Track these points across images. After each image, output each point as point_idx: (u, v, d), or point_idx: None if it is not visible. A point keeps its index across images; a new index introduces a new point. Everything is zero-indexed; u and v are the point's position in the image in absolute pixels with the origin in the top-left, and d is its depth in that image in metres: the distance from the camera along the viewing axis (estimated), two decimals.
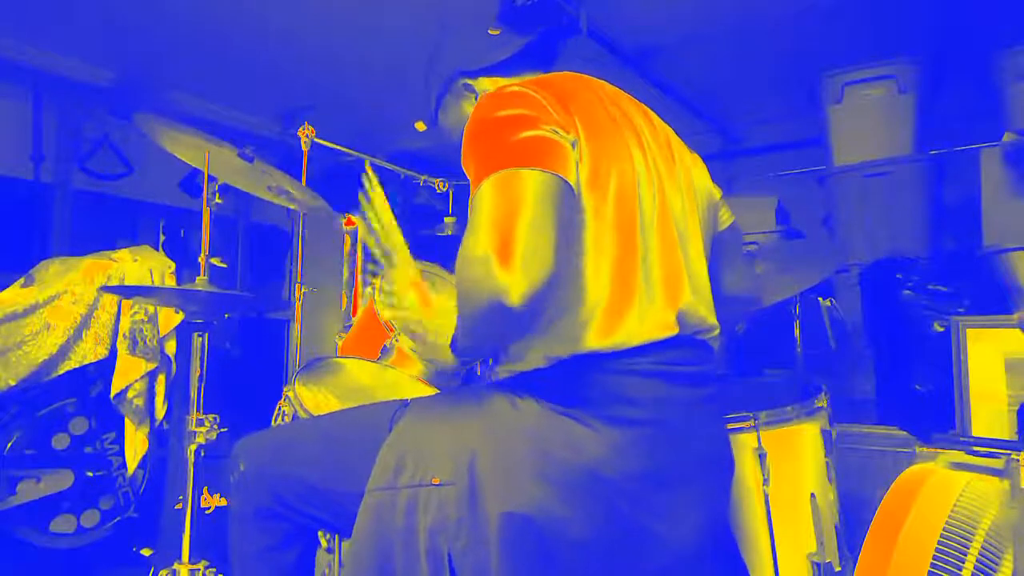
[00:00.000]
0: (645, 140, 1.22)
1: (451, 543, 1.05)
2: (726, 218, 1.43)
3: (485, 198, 0.99)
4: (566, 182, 1.03)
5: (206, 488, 2.43)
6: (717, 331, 1.25)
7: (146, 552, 2.66)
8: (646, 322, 1.11)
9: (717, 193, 1.41)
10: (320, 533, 1.59)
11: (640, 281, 1.12)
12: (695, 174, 1.33)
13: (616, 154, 1.14)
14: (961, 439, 1.43)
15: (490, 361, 1.27)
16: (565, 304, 1.09)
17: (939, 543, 1.22)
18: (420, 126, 1.43)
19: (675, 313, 1.15)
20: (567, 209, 1.03)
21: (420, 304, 1.13)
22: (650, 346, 1.11)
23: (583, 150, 1.10)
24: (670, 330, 1.13)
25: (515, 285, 0.91)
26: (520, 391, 1.13)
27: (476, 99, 1.33)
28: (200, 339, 1.96)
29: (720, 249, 1.40)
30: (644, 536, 1.08)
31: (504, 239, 0.93)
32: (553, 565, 1.04)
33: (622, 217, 1.12)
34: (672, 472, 1.11)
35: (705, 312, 1.22)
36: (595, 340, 1.09)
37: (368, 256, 1.21)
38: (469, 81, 1.34)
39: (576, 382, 1.09)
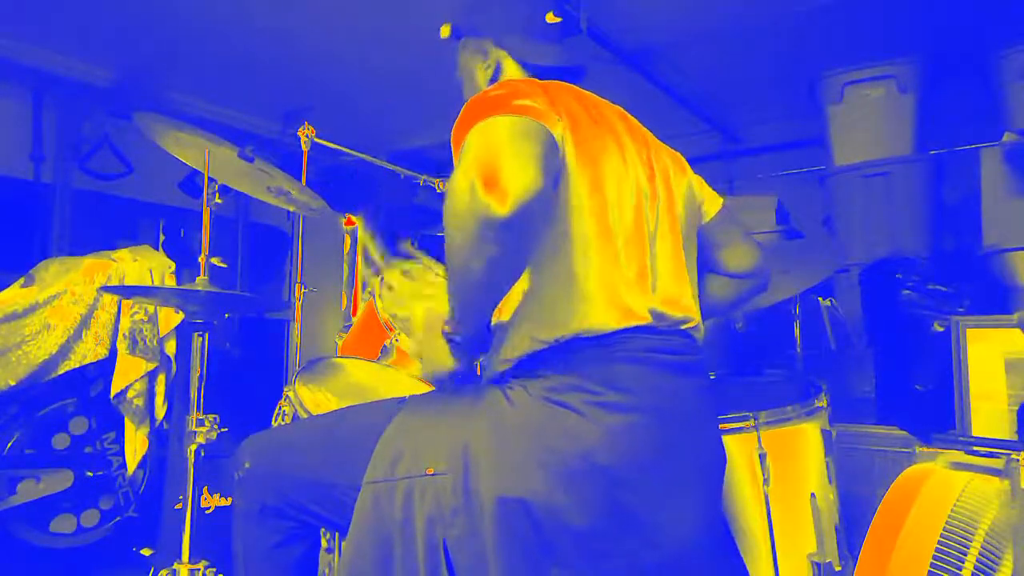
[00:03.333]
0: (623, 141, 1.27)
1: (447, 532, 1.07)
2: (713, 207, 1.46)
3: (469, 141, 1.00)
4: (549, 132, 1.05)
5: (206, 488, 2.43)
6: (695, 322, 1.28)
7: (146, 552, 2.66)
8: (625, 308, 1.15)
9: (698, 186, 1.44)
10: (321, 532, 1.60)
11: (619, 269, 1.16)
12: (673, 173, 1.36)
13: (596, 148, 1.20)
14: (961, 439, 1.44)
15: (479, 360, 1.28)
16: (552, 288, 1.13)
17: (939, 543, 1.23)
18: (445, 31, 1.47)
19: (652, 302, 1.19)
20: (551, 153, 1.04)
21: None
22: (634, 330, 1.14)
23: (567, 139, 1.14)
24: (646, 319, 1.16)
25: (501, 199, 0.90)
26: (513, 383, 1.15)
27: (486, 67, 1.38)
28: (200, 339, 1.96)
29: (713, 235, 1.44)
30: (638, 522, 1.09)
31: (487, 167, 0.93)
32: (547, 550, 1.05)
33: (601, 207, 1.16)
34: (665, 460, 1.13)
35: (682, 302, 1.25)
36: (580, 322, 1.12)
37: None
38: (490, 47, 1.38)
39: (566, 369, 1.12)
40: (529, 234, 0.99)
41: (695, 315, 1.28)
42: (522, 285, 1.14)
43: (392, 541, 1.10)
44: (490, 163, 0.93)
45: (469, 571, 1.06)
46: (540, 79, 1.33)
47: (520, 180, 0.92)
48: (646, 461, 1.10)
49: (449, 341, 1.16)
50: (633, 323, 1.15)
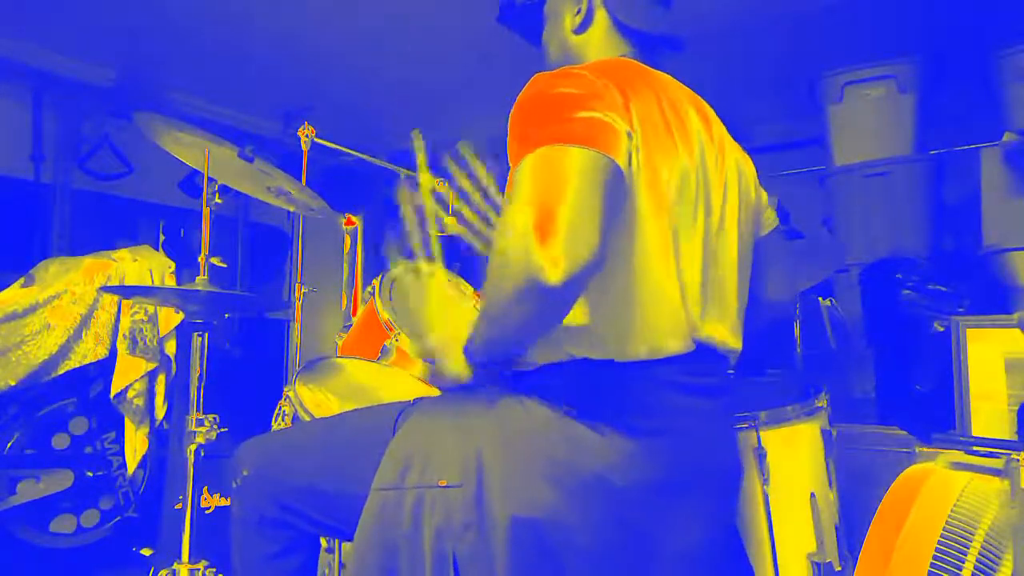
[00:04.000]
0: (697, 146, 1.17)
1: (457, 545, 1.03)
2: (770, 222, 1.40)
3: (527, 172, 0.93)
4: (617, 167, 0.97)
5: (206, 488, 2.44)
6: (738, 352, 1.22)
7: (146, 552, 2.66)
8: (670, 336, 1.09)
9: (764, 196, 1.38)
10: (323, 542, 1.59)
11: (671, 294, 1.09)
12: (743, 179, 1.29)
13: (666, 160, 1.09)
14: (961, 439, 1.43)
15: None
16: (597, 306, 1.06)
17: (939, 543, 1.22)
18: None
19: (698, 330, 1.12)
20: (617, 194, 0.97)
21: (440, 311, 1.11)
22: (670, 359, 1.09)
23: (638, 149, 1.05)
24: (691, 346, 1.11)
25: (554, 263, 0.84)
26: (529, 392, 1.10)
27: (576, 13, 1.27)
28: (200, 339, 1.96)
29: (761, 255, 1.37)
30: (652, 544, 1.07)
31: (545, 215, 0.86)
32: (560, 571, 1.03)
33: (663, 226, 1.08)
34: (683, 481, 1.09)
35: (728, 333, 1.19)
36: (620, 348, 1.06)
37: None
38: None
39: (587, 388, 1.07)
40: (577, 295, 0.93)
41: (739, 344, 1.22)
42: None
43: (398, 551, 1.06)
44: (548, 212, 0.87)
45: None
46: (632, 42, 1.27)
47: (579, 243, 0.86)
48: (662, 482, 1.07)
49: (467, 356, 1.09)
50: (675, 353, 1.08)
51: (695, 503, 1.11)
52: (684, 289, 1.10)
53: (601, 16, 1.27)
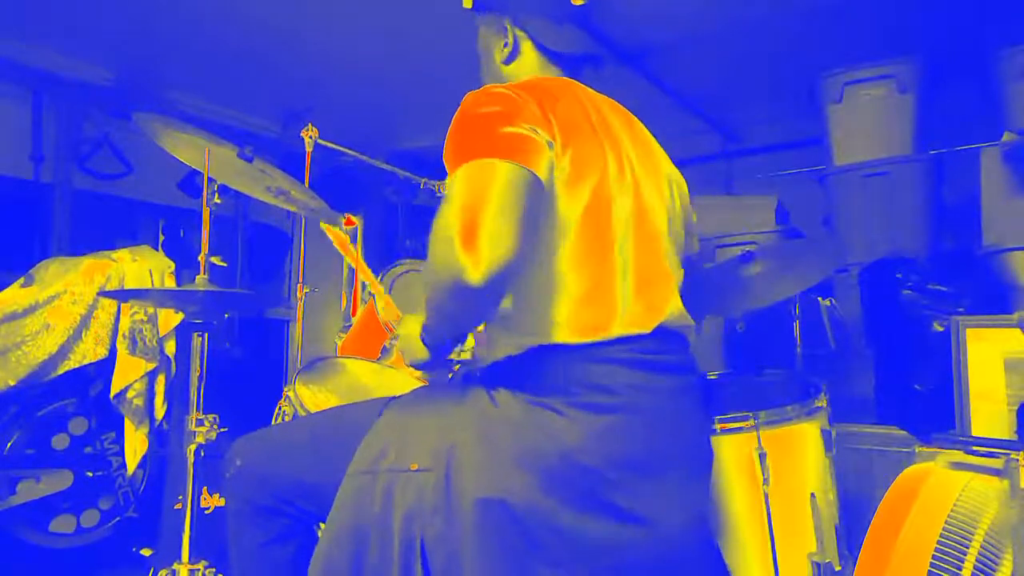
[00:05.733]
0: (623, 146, 1.26)
1: (425, 530, 1.08)
2: (694, 243, 1.49)
3: (457, 184, 1.04)
4: (536, 178, 1.06)
5: (206, 488, 2.43)
6: (689, 325, 1.29)
7: (146, 552, 2.66)
8: (622, 319, 1.16)
9: (694, 215, 1.47)
10: (321, 526, 1.61)
11: (617, 279, 1.16)
12: (675, 183, 1.37)
13: (592, 158, 1.18)
14: (961, 439, 1.44)
15: (460, 353, 1.40)
16: (540, 298, 1.14)
17: (939, 543, 1.23)
18: (467, 1, 1.47)
19: (653, 312, 1.19)
20: (535, 203, 1.07)
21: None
22: (624, 339, 1.15)
23: (559, 152, 1.14)
24: (646, 327, 1.18)
25: (475, 265, 0.95)
26: (495, 383, 1.17)
27: (504, 46, 1.37)
28: (200, 339, 1.96)
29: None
30: (622, 520, 1.10)
31: (469, 222, 0.97)
32: (528, 550, 1.06)
33: (597, 217, 1.17)
34: (650, 458, 1.14)
35: (661, 313, 1.24)
36: (570, 334, 1.13)
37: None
38: (508, 26, 1.36)
39: (549, 371, 1.14)
40: (499, 293, 1.04)
41: (687, 319, 1.29)
42: (509, 293, 1.15)
43: (369, 534, 1.12)
44: (472, 219, 0.98)
45: (445, 571, 1.07)
46: (558, 64, 1.35)
47: (498, 248, 0.96)
48: (629, 459, 1.12)
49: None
50: (622, 332, 1.15)
51: (664, 482, 1.15)
52: (628, 276, 1.18)
53: (527, 47, 1.37)
